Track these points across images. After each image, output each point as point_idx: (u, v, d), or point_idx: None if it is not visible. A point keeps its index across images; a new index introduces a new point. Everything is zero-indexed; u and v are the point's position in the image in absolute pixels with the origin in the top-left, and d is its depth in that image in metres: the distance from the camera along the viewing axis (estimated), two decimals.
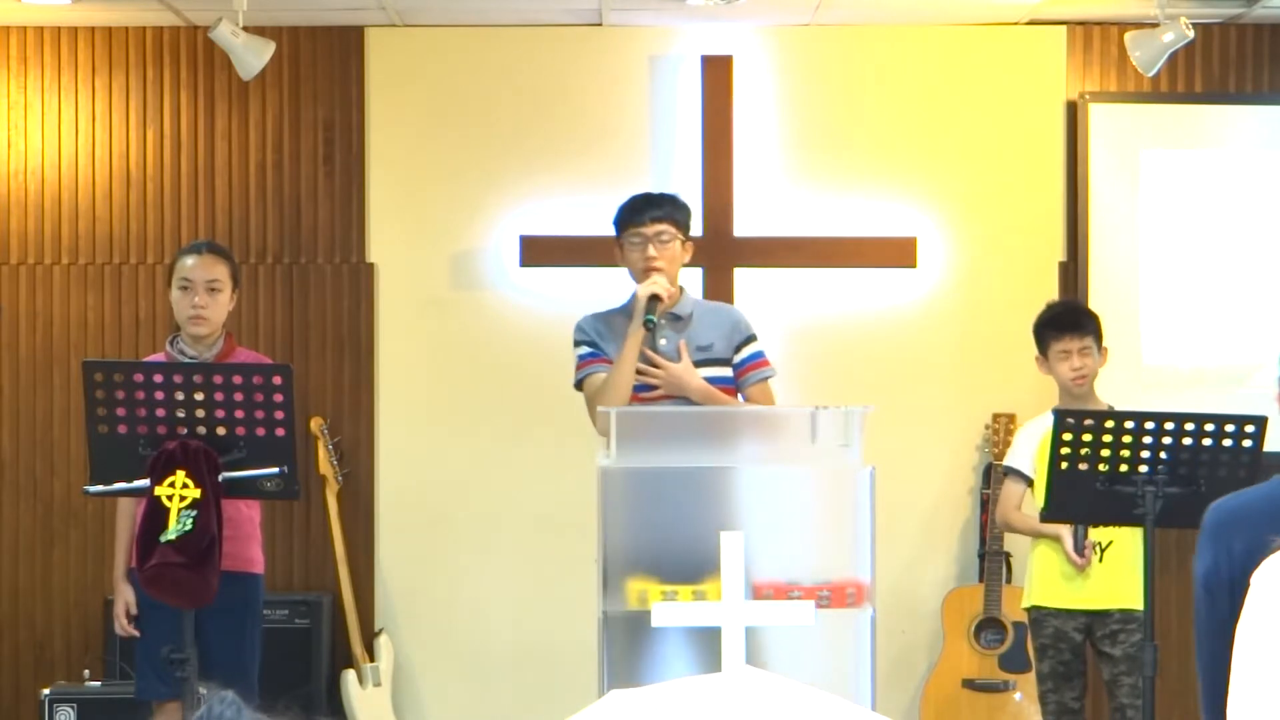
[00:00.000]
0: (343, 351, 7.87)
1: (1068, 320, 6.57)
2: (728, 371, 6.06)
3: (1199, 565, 3.32)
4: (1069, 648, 6.52)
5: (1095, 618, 6.49)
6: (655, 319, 5.96)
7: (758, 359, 6.10)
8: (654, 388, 5.98)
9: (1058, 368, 6.54)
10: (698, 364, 6.02)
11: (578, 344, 6.11)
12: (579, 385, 6.10)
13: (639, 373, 5.96)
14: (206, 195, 7.86)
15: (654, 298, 5.97)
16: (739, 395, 6.05)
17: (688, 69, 7.82)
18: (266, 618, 6.55)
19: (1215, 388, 7.72)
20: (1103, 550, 6.46)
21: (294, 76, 7.88)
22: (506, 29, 7.84)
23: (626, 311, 6.08)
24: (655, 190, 6.34)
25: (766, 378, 6.10)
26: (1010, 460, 6.77)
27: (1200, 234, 7.81)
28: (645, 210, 6.10)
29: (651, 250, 6.03)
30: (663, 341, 6.04)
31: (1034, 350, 6.65)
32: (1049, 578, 6.55)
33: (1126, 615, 6.40)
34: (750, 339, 6.12)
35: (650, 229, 6.06)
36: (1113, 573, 6.42)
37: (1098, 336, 6.55)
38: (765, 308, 7.59)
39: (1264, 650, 2.61)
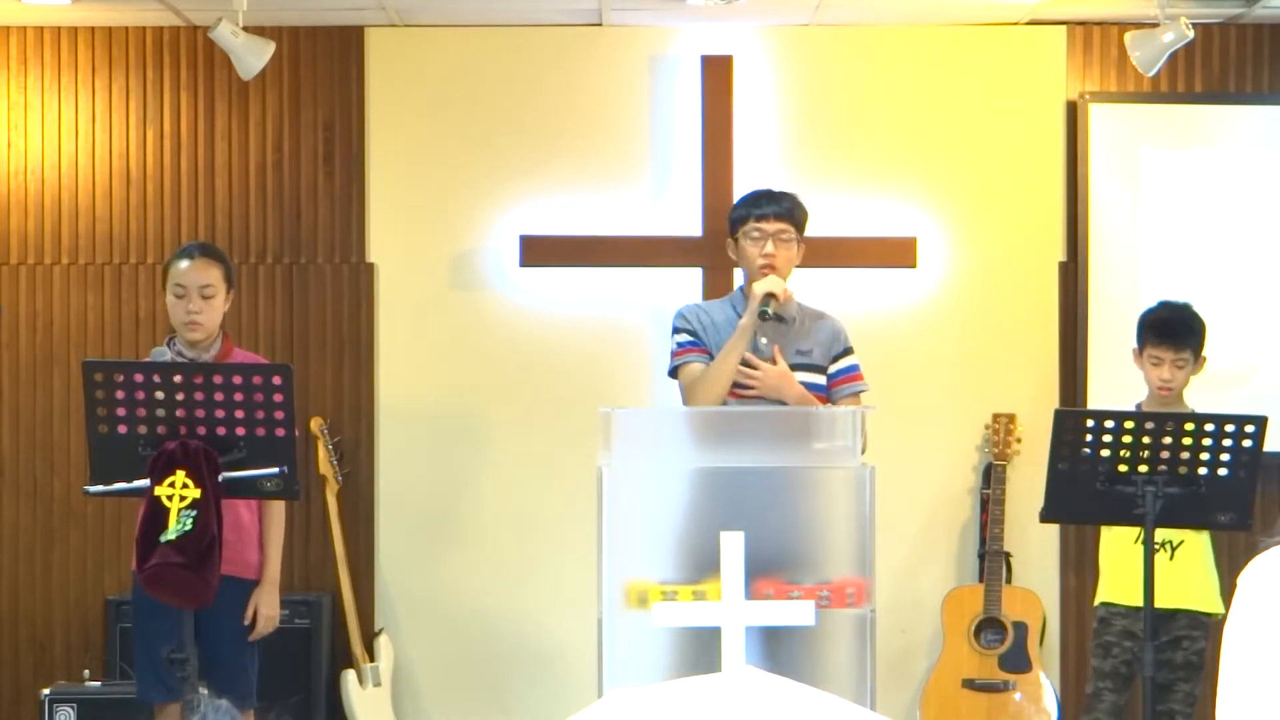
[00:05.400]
0: (343, 351, 7.86)
1: (1169, 330, 6.45)
2: (822, 379, 6.04)
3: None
4: (1134, 647, 6.37)
5: (1161, 619, 6.33)
6: (769, 311, 5.90)
7: (853, 371, 6.09)
8: (749, 388, 5.95)
9: (1149, 371, 6.45)
10: (794, 368, 5.99)
11: (677, 330, 6.04)
12: (674, 372, 6.05)
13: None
14: (206, 195, 7.86)
15: (770, 295, 5.92)
16: (829, 404, 6.02)
17: (688, 69, 7.82)
18: None
19: (1215, 388, 7.71)
20: (1174, 549, 6.35)
21: (294, 76, 7.88)
22: (506, 29, 7.84)
23: (731, 305, 6.04)
24: (773, 188, 6.22)
25: (859, 391, 6.09)
26: None
27: (1200, 234, 7.80)
28: (768, 205, 6.03)
29: (770, 247, 5.98)
30: (762, 341, 5.99)
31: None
32: (1121, 575, 6.41)
33: (1194, 619, 6.34)
34: (848, 350, 6.10)
35: (772, 225, 5.99)
36: (1183, 573, 6.31)
37: (1197, 349, 6.46)
38: None
39: (1253, 650, 2.60)
